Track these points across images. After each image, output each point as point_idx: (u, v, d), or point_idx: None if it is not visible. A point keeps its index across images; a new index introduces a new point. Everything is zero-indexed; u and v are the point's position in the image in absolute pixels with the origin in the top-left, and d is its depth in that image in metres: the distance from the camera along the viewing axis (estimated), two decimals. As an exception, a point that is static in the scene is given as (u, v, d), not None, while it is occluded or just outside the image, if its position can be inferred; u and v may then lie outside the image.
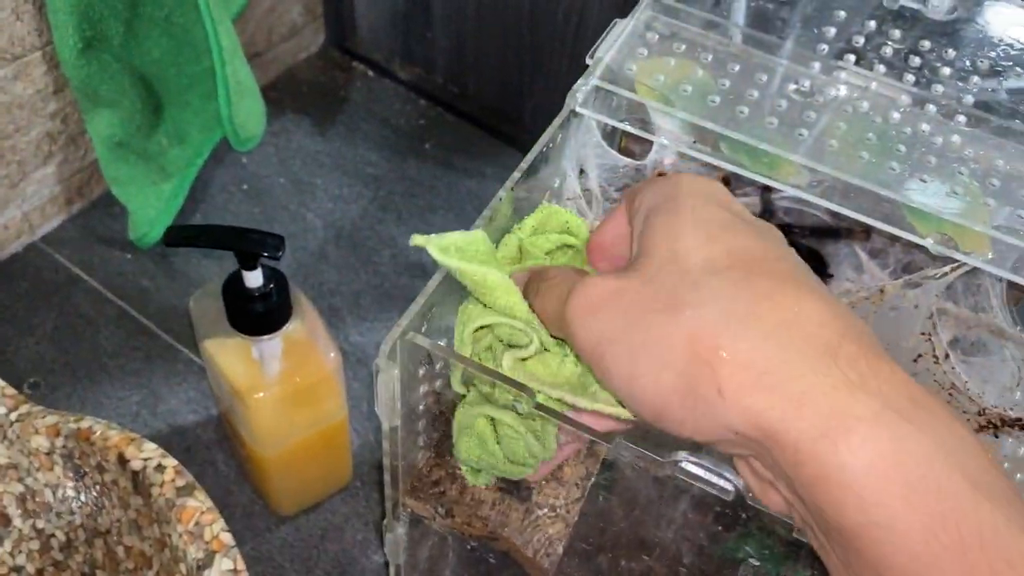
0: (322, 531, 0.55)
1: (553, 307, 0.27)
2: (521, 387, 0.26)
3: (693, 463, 0.24)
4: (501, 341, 0.29)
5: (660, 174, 0.39)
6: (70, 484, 0.42)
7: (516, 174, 0.31)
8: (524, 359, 0.28)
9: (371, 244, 0.68)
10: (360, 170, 0.73)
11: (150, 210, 0.64)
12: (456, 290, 0.29)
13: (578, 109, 0.35)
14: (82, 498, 0.42)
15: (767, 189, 0.41)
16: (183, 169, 0.67)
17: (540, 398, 0.27)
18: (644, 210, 0.27)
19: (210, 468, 0.57)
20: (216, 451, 0.58)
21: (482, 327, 0.28)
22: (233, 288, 0.45)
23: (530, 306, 0.28)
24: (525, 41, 0.70)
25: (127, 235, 0.66)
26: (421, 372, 0.30)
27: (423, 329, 0.28)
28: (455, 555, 0.42)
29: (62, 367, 0.60)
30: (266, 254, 0.43)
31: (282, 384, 0.48)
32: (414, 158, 0.74)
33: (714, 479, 0.24)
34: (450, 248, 0.27)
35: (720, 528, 0.39)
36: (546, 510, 0.34)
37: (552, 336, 0.28)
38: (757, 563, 0.33)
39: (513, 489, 0.34)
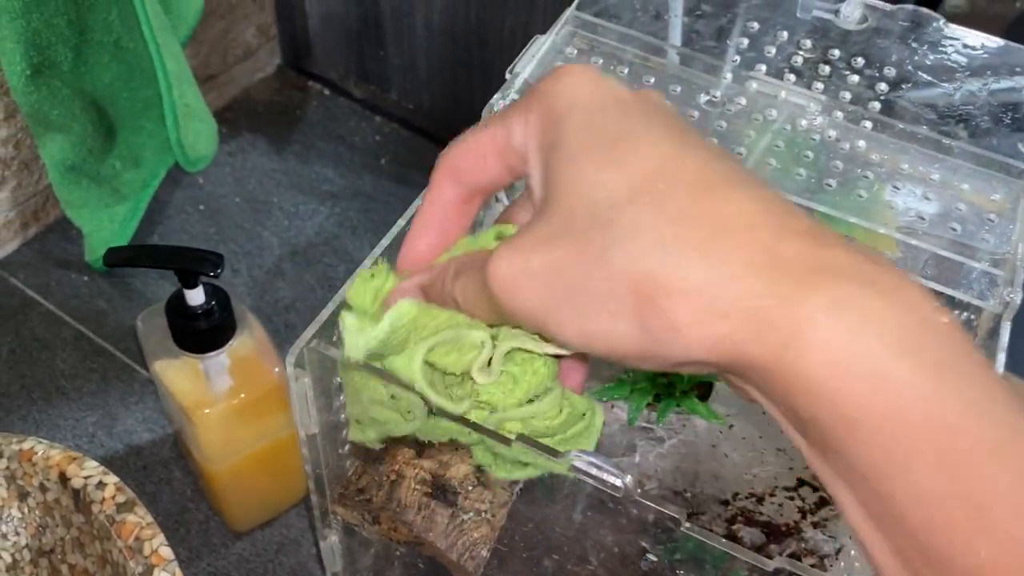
0: (278, 545, 0.56)
1: (478, 303, 0.25)
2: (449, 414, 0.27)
3: (585, 461, 0.25)
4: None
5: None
6: (15, 505, 0.42)
7: (403, 221, 0.32)
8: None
9: (327, 260, 0.69)
10: (316, 187, 0.74)
11: (105, 232, 0.65)
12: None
13: (495, 123, 0.36)
14: (27, 518, 0.42)
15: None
16: (138, 191, 0.67)
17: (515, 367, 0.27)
18: (532, 149, 0.25)
19: (166, 486, 0.57)
20: (173, 469, 0.58)
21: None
22: (176, 306, 0.46)
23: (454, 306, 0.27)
24: (474, 57, 0.71)
25: (83, 258, 0.67)
26: (338, 380, 0.31)
27: (335, 337, 0.29)
28: (400, 564, 0.42)
29: (18, 390, 0.61)
30: (205, 272, 0.44)
31: (229, 399, 0.48)
32: (369, 174, 0.75)
33: (605, 476, 0.25)
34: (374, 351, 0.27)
35: (656, 532, 0.40)
36: (471, 514, 0.35)
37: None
38: (655, 559, 0.33)
39: (439, 494, 0.35)
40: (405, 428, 0.31)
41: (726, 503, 0.42)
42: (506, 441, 0.27)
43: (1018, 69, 0.38)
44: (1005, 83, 0.38)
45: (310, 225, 0.71)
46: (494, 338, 0.27)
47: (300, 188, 0.74)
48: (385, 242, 0.30)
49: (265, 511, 0.56)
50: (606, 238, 0.21)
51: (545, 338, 0.26)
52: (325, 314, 0.28)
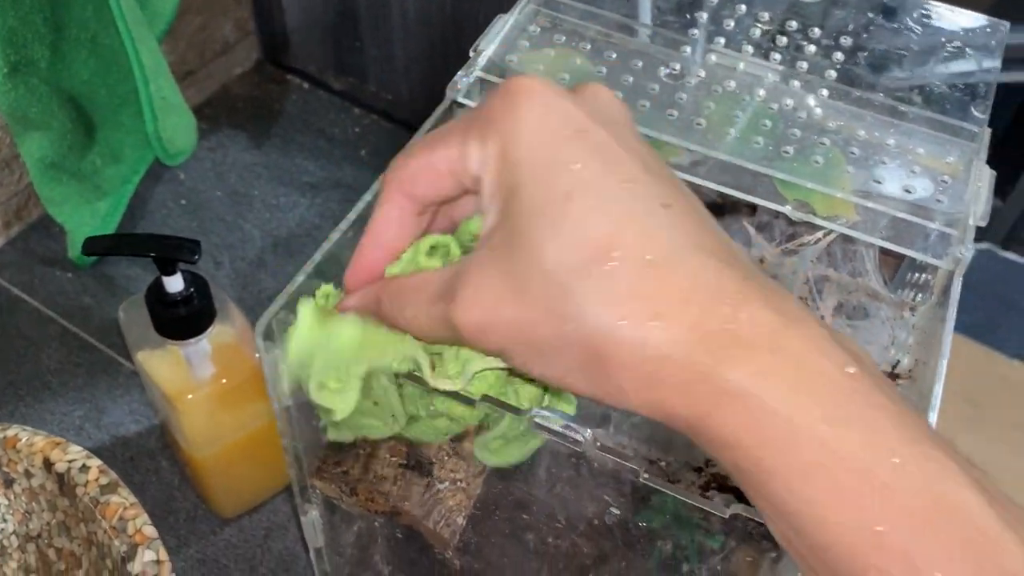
0: (266, 531, 0.56)
1: (435, 328, 0.27)
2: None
3: (546, 415, 0.26)
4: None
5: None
6: (0, 492, 0.43)
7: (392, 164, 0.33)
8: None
9: (308, 251, 0.69)
10: (296, 179, 0.74)
11: (87, 228, 0.66)
12: (339, 265, 0.31)
13: (460, 99, 0.37)
14: (13, 504, 0.43)
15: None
16: (119, 187, 0.68)
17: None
18: (488, 183, 0.26)
19: (153, 476, 0.58)
20: (160, 458, 0.59)
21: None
22: (155, 294, 0.47)
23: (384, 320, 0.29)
24: (451, 46, 0.72)
25: (67, 255, 0.67)
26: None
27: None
28: (382, 538, 0.43)
29: (5, 387, 0.61)
30: (182, 258, 0.44)
31: (211, 385, 0.49)
32: (350, 165, 0.76)
33: (566, 431, 0.26)
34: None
35: (629, 500, 0.41)
36: (447, 483, 0.35)
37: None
38: (618, 512, 0.34)
39: (415, 465, 0.36)
40: (386, 432, 0.32)
41: (699, 470, 0.43)
42: (471, 402, 0.28)
43: (969, 50, 0.39)
44: (959, 63, 0.39)
45: (291, 217, 0.72)
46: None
47: (281, 181, 0.74)
48: (317, 257, 0.31)
49: (252, 497, 0.56)
50: (561, 308, 0.24)
51: None
52: (293, 286, 0.29)
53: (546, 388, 0.29)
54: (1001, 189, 0.92)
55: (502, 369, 0.28)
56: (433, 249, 0.29)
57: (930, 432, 0.23)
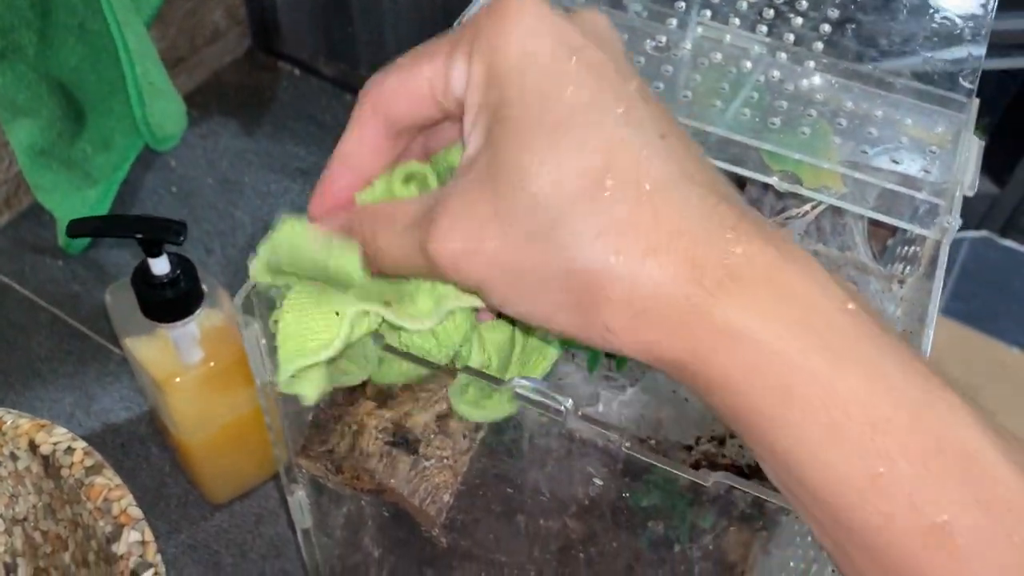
0: (257, 516, 0.56)
1: (408, 260, 0.25)
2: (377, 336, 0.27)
3: (527, 388, 0.26)
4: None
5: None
6: (-14, 475, 0.43)
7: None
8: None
9: (300, 237, 0.70)
10: (287, 166, 0.74)
11: (77, 216, 0.65)
12: None
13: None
14: (-1, 488, 0.43)
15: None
16: (109, 174, 0.68)
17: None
18: (475, 108, 0.24)
19: (144, 462, 0.58)
20: (150, 445, 0.59)
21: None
22: (141, 276, 0.46)
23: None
24: (440, 29, 0.71)
25: (56, 243, 0.67)
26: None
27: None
28: (370, 518, 0.43)
29: (-5, 374, 0.61)
30: (168, 239, 0.44)
31: (199, 369, 0.49)
32: (341, 152, 0.75)
33: (547, 401, 0.26)
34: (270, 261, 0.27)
35: (618, 477, 0.41)
36: (433, 461, 0.35)
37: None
38: (600, 482, 0.34)
39: (401, 443, 0.35)
40: (361, 375, 0.31)
41: (690, 448, 0.43)
42: (452, 373, 0.27)
43: (959, 22, 0.38)
44: (948, 35, 0.38)
45: (282, 203, 0.72)
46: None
47: (272, 167, 0.74)
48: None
49: (242, 483, 0.56)
50: (548, 234, 0.22)
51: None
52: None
53: (512, 331, 0.28)
54: (999, 177, 0.91)
55: (475, 309, 0.26)
56: (409, 178, 0.27)
57: (930, 369, 0.22)
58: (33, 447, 0.41)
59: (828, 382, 0.21)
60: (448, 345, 0.28)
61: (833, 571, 0.31)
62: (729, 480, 0.26)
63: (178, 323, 0.48)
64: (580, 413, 0.26)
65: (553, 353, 0.29)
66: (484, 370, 0.28)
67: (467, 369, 0.27)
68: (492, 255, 0.23)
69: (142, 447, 0.58)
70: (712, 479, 0.26)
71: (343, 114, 0.78)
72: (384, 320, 0.26)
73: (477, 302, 0.26)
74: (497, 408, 0.29)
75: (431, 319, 0.26)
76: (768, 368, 0.21)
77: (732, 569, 0.42)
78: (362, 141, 0.26)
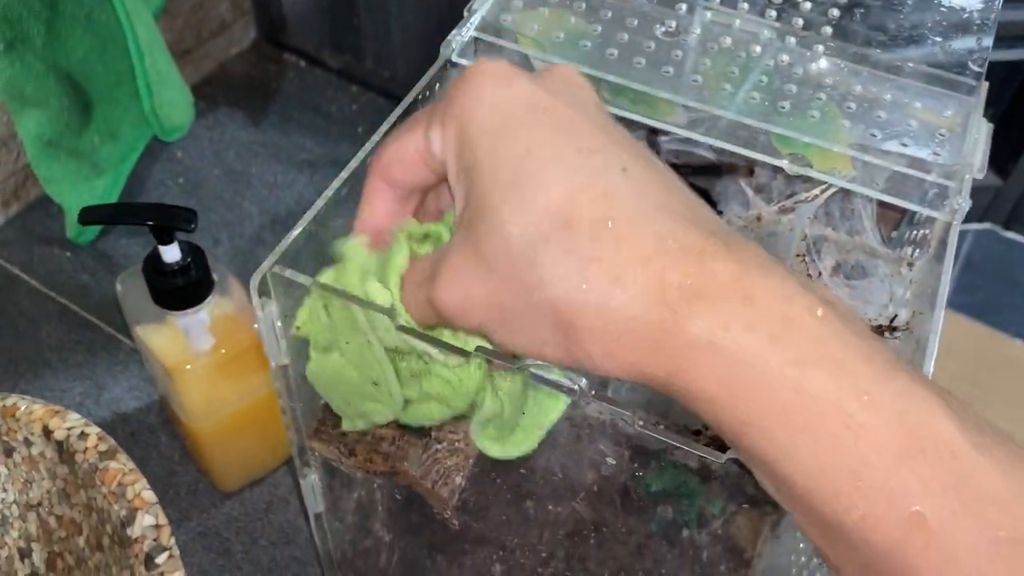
0: (267, 504, 0.57)
1: (425, 314, 0.27)
2: (387, 310, 0.28)
3: (540, 366, 0.26)
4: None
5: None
6: (0, 461, 0.43)
7: (391, 119, 0.33)
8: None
9: (307, 228, 0.70)
10: (294, 157, 0.74)
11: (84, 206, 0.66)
12: (337, 224, 0.31)
13: (455, 59, 0.37)
14: (13, 474, 0.43)
15: (653, 132, 0.43)
16: (116, 165, 0.68)
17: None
18: (451, 166, 0.26)
19: (154, 451, 0.58)
20: (160, 434, 0.59)
21: None
22: (152, 264, 0.46)
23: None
24: (447, 21, 0.71)
25: (65, 234, 0.67)
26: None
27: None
28: (382, 502, 0.43)
29: (5, 364, 0.61)
30: (179, 227, 0.44)
31: (210, 356, 0.49)
32: (347, 143, 0.76)
33: (561, 380, 0.26)
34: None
35: (631, 463, 0.41)
36: (444, 444, 0.35)
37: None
38: (613, 462, 0.34)
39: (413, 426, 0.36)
40: (388, 415, 0.32)
41: (698, 433, 0.43)
42: (466, 354, 0.28)
43: (967, 4, 0.38)
44: (956, 18, 0.38)
45: (289, 194, 0.72)
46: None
47: (278, 159, 0.74)
48: (310, 215, 0.32)
49: (252, 470, 0.57)
50: (527, 279, 0.24)
51: None
52: (287, 240, 0.29)
53: (524, 379, 0.29)
54: (1003, 168, 0.91)
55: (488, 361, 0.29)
56: (426, 238, 0.30)
57: (902, 366, 0.23)
58: (47, 432, 0.41)
59: (798, 386, 0.22)
60: (463, 392, 0.29)
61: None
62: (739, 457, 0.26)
63: (189, 311, 0.48)
64: (593, 392, 0.26)
65: (565, 400, 0.30)
66: (499, 418, 0.29)
67: (480, 349, 0.27)
68: (483, 299, 0.25)
69: (152, 436, 0.59)
70: (725, 458, 0.26)
71: (348, 105, 0.79)
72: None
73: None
74: (520, 443, 0.30)
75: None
76: (740, 378, 0.22)
77: (741, 553, 0.43)
78: (377, 209, 0.29)
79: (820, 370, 0.22)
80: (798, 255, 0.38)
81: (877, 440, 0.22)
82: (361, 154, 0.33)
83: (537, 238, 0.24)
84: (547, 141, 0.25)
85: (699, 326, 0.22)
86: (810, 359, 0.22)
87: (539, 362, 0.27)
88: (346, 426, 0.35)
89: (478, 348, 0.27)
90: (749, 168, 0.42)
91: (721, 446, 0.43)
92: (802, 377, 0.22)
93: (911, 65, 0.37)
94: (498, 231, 0.24)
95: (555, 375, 0.26)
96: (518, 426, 0.31)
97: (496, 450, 0.32)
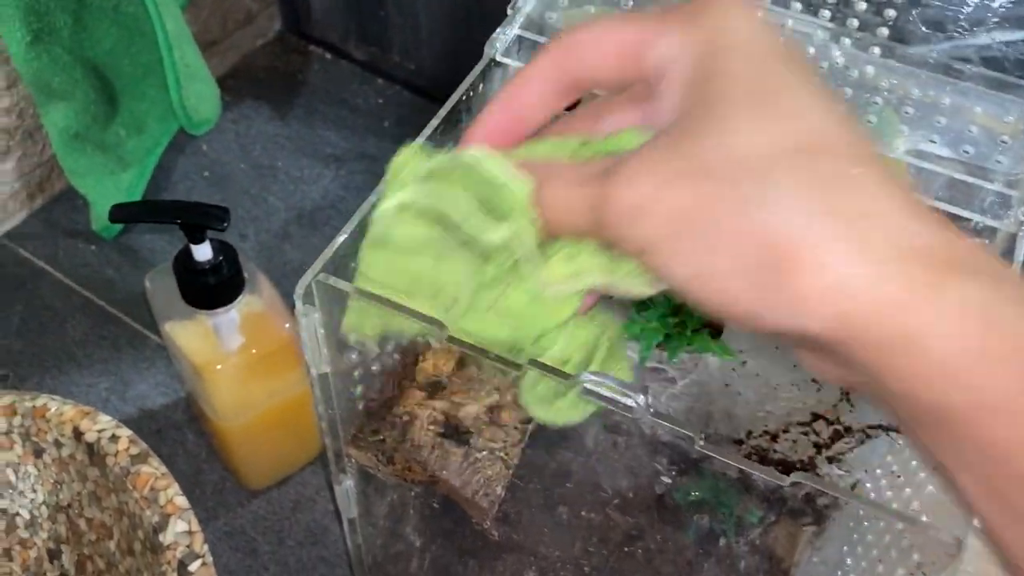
0: (293, 503, 0.56)
1: (577, 215, 0.24)
2: (432, 320, 0.26)
3: (596, 382, 0.25)
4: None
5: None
6: (30, 461, 0.42)
7: (434, 121, 0.32)
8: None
9: (333, 223, 0.69)
10: (320, 151, 0.73)
11: (110, 200, 0.65)
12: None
13: (499, 58, 0.36)
14: (43, 474, 0.42)
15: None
16: (142, 158, 0.67)
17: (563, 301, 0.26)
18: (681, 71, 0.23)
19: (180, 448, 0.58)
20: (186, 431, 0.58)
21: None
22: (183, 263, 0.46)
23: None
24: (475, 14, 0.70)
25: (90, 227, 0.67)
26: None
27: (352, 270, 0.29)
28: (415, 509, 0.43)
29: (30, 359, 0.61)
30: (211, 226, 0.44)
31: (239, 355, 0.48)
32: (373, 136, 0.75)
33: (617, 396, 0.25)
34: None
35: (668, 471, 0.40)
36: (485, 453, 0.35)
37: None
38: (669, 481, 0.33)
39: (452, 434, 0.35)
40: (431, 311, 0.27)
41: (740, 442, 0.42)
42: (516, 367, 0.27)
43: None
44: (1018, 18, 0.37)
45: (315, 189, 0.71)
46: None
47: (304, 152, 0.73)
48: (355, 219, 0.29)
49: (280, 469, 0.56)
50: (751, 190, 0.21)
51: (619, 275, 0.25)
52: (332, 247, 0.28)
53: (600, 334, 0.27)
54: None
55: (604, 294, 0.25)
56: (584, 145, 0.27)
57: None
58: (78, 434, 0.40)
59: None
60: (528, 330, 0.26)
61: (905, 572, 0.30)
62: (809, 481, 0.25)
63: (219, 310, 0.47)
64: (652, 411, 0.25)
65: (631, 365, 0.28)
66: (561, 367, 0.27)
67: (533, 362, 0.26)
68: (674, 209, 0.22)
69: (178, 433, 0.58)
70: (789, 481, 0.25)
71: (374, 99, 0.78)
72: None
73: (614, 278, 0.25)
74: (569, 410, 0.28)
75: (561, 284, 0.25)
76: (996, 361, 0.20)
77: (779, 563, 0.42)
78: (530, 85, 0.26)
79: None
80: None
81: None
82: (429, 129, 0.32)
83: (780, 156, 0.21)
84: (795, 72, 0.23)
85: (956, 292, 0.20)
86: None
87: (592, 376, 0.26)
88: (349, 323, 0.29)
89: (531, 361, 0.27)
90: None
91: (763, 458, 0.42)
92: None
93: (970, 68, 0.36)
94: (730, 143, 0.21)
95: (610, 391, 0.25)
96: (569, 394, 0.28)
97: (541, 412, 0.29)
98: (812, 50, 0.37)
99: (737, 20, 0.23)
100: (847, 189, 0.21)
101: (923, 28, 0.37)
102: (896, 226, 0.21)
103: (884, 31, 0.37)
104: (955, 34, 0.37)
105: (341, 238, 0.29)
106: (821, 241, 0.20)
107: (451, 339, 0.27)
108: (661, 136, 0.23)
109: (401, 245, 0.26)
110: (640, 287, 0.25)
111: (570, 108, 0.28)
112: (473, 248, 0.25)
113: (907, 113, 0.35)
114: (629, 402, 0.25)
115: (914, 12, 0.37)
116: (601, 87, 0.26)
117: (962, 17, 0.36)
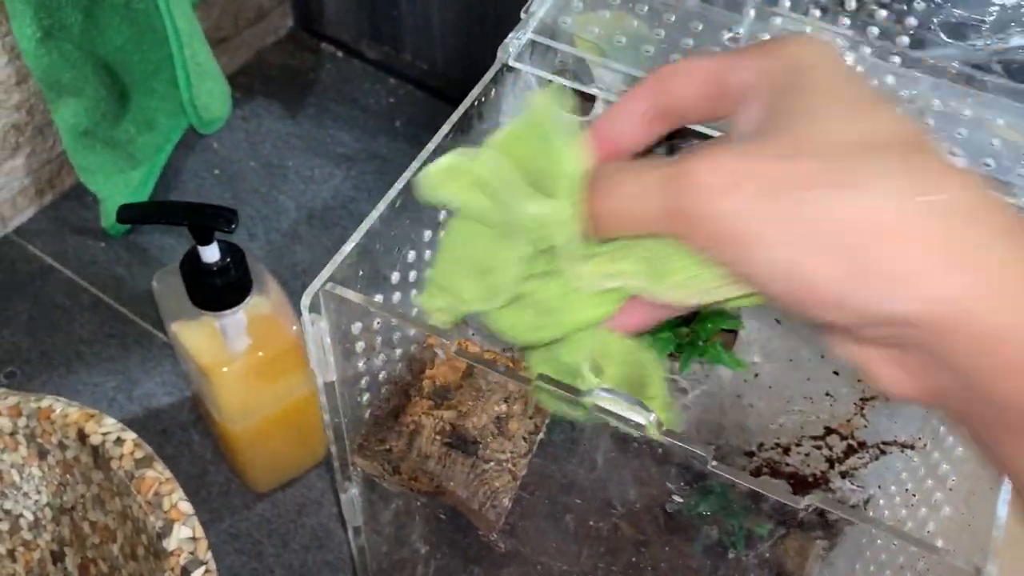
0: (299, 506, 0.56)
1: (643, 199, 0.23)
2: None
3: (608, 399, 0.24)
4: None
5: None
6: (35, 463, 0.42)
7: (445, 127, 0.31)
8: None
9: (343, 223, 0.69)
10: (331, 151, 0.73)
11: (120, 197, 0.65)
12: (389, 237, 0.29)
13: (511, 63, 0.35)
14: (47, 476, 0.42)
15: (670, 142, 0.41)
16: (152, 156, 0.67)
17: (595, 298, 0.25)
18: (766, 87, 0.24)
19: (186, 449, 0.57)
20: (192, 432, 0.58)
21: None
22: (191, 264, 0.45)
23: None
24: (489, 14, 0.70)
25: (99, 224, 0.67)
26: (357, 328, 0.30)
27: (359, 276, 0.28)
28: (420, 517, 0.42)
29: (38, 356, 0.61)
30: (219, 227, 0.43)
31: (246, 357, 0.48)
32: (384, 136, 0.74)
33: (629, 414, 0.24)
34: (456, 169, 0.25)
35: (677, 483, 0.39)
36: (492, 464, 0.34)
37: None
38: (681, 500, 0.33)
39: (459, 444, 0.34)
40: (475, 304, 0.27)
41: (751, 454, 0.42)
42: (526, 381, 0.26)
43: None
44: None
45: (326, 188, 0.71)
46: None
47: (315, 151, 0.73)
48: (365, 227, 0.29)
49: (285, 472, 0.56)
50: (847, 170, 0.21)
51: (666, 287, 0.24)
52: (340, 256, 0.28)
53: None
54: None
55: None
56: None
57: None
58: (82, 437, 0.40)
59: None
60: (553, 325, 0.26)
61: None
62: (824, 505, 0.24)
63: (227, 312, 0.47)
64: (664, 429, 0.24)
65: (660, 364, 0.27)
66: (582, 375, 0.25)
67: (542, 377, 0.26)
68: (772, 185, 0.21)
69: (184, 434, 0.58)
70: (804, 503, 0.25)
71: (386, 98, 0.77)
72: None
73: (660, 292, 0.24)
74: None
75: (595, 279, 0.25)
76: None
77: (788, 577, 0.41)
78: (624, 114, 0.26)
79: None
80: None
81: None
82: (408, 174, 0.32)
83: (873, 146, 0.21)
84: (867, 88, 0.23)
85: None
86: None
87: (604, 393, 0.26)
88: (425, 300, 0.28)
89: (540, 376, 0.26)
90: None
91: (774, 471, 0.42)
92: None
93: (992, 79, 0.35)
94: (823, 128, 0.22)
95: (624, 409, 0.25)
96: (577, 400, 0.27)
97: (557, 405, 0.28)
98: (831, 58, 0.36)
99: (812, 46, 0.24)
100: (938, 177, 0.21)
101: (944, 37, 0.36)
102: (994, 212, 0.20)
103: (905, 39, 0.36)
104: (977, 43, 0.36)
105: (349, 246, 0.28)
106: (927, 220, 0.20)
107: (459, 352, 0.26)
108: (737, 137, 0.23)
109: (461, 209, 0.25)
110: (683, 298, 0.24)
111: (670, 138, 0.28)
112: (520, 232, 0.25)
113: (927, 124, 0.34)
114: (640, 419, 0.24)
115: (935, 20, 0.37)
116: (690, 117, 0.26)
117: (984, 26, 0.36)
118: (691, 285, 0.24)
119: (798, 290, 0.21)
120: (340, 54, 0.80)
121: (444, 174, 0.25)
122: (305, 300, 0.27)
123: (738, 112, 0.24)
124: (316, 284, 0.27)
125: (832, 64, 0.23)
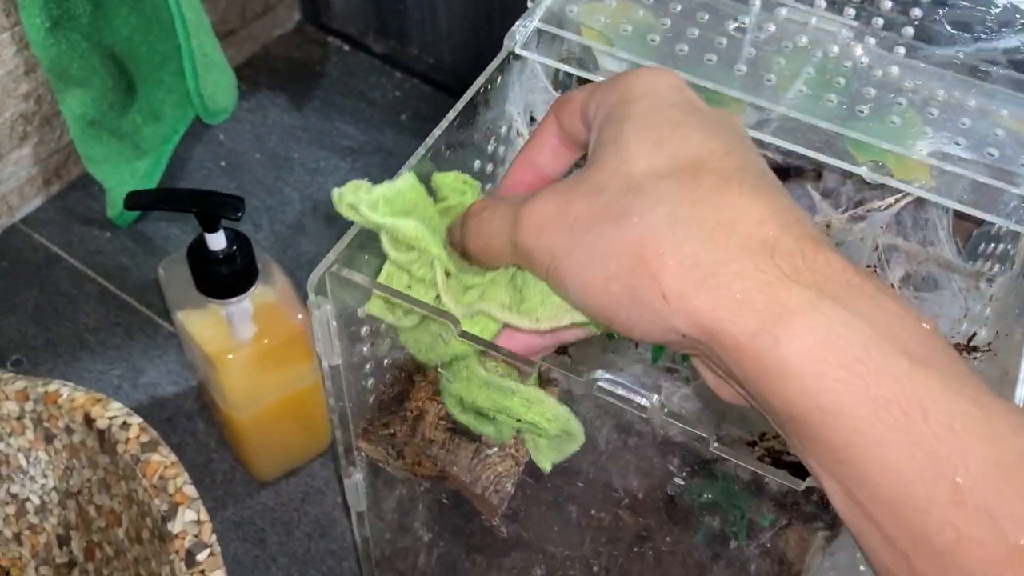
0: (303, 495, 0.56)
1: (498, 236, 0.26)
2: (444, 314, 0.26)
3: (609, 380, 0.25)
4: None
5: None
6: (41, 447, 0.42)
7: (451, 114, 0.32)
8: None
9: (348, 215, 0.69)
10: (336, 143, 0.73)
11: (126, 187, 0.65)
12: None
13: (518, 51, 0.35)
14: (53, 460, 0.43)
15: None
16: (158, 146, 0.67)
17: (468, 324, 0.27)
18: (599, 120, 0.26)
19: (190, 437, 0.58)
20: (197, 420, 0.58)
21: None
22: (197, 251, 0.46)
23: (462, 250, 0.28)
24: (495, 9, 0.70)
25: (106, 214, 0.67)
26: (362, 312, 0.31)
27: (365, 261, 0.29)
28: (424, 503, 0.42)
29: (44, 344, 0.61)
30: (226, 215, 0.43)
31: (251, 345, 0.48)
32: (390, 130, 0.74)
33: (630, 396, 0.25)
34: (378, 202, 0.28)
35: (680, 472, 0.39)
36: (495, 449, 0.34)
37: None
38: (682, 483, 0.33)
39: (463, 429, 0.34)
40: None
41: (753, 444, 0.42)
42: (530, 365, 0.26)
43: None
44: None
45: (331, 181, 0.71)
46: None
47: (320, 144, 0.73)
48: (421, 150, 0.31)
49: (290, 460, 0.56)
50: (630, 202, 0.23)
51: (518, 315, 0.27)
52: (346, 239, 0.28)
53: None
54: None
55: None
56: None
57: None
58: (89, 421, 0.40)
59: (907, 380, 0.20)
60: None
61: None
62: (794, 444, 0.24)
63: (233, 299, 0.47)
64: (667, 411, 0.25)
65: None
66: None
67: (546, 361, 0.26)
68: (573, 222, 0.24)
69: (188, 422, 0.58)
70: (804, 485, 0.25)
71: (392, 92, 0.78)
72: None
73: (580, 320, 0.26)
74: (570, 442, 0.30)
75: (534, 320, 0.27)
76: (841, 355, 0.21)
77: (790, 567, 0.41)
78: (542, 141, 0.29)
79: (931, 369, 0.21)
80: (869, 265, 0.37)
81: (985, 454, 0.20)
82: (414, 158, 0.32)
83: (661, 173, 0.23)
84: (699, 116, 0.25)
85: (806, 293, 0.21)
86: (921, 357, 0.21)
87: (606, 375, 0.26)
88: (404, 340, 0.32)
89: (543, 368, 0.26)
90: (817, 172, 0.41)
91: (777, 460, 0.42)
92: (912, 371, 0.20)
93: (996, 69, 0.35)
94: (624, 165, 0.24)
95: (624, 390, 0.25)
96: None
97: (556, 456, 0.31)
98: (836, 49, 0.36)
99: (646, 77, 0.26)
100: (715, 203, 0.22)
101: (949, 28, 0.36)
102: (757, 232, 0.22)
103: (910, 31, 0.37)
104: (982, 35, 0.36)
105: (356, 230, 0.28)
106: (682, 245, 0.22)
107: (463, 334, 0.26)
108: (574, 171, 0.26)
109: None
110: (539, 323, 0.27)
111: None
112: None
113: (931, 114, 0.35)
114: (643, 402, 0.25)
115: (940, 12, 0.37)
116: (578, 142, 0.29)
117: (990, 18, 0.36)
118: (543, 310, 0.27)
119: (603, 316, 0.24)
120: (346, 47, 0.80)
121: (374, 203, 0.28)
122: (311, 282, 0.27)
123: (588, 142, 0.27)
124: (322, 266, 0.27)
125: (661, 92, 0.26)
